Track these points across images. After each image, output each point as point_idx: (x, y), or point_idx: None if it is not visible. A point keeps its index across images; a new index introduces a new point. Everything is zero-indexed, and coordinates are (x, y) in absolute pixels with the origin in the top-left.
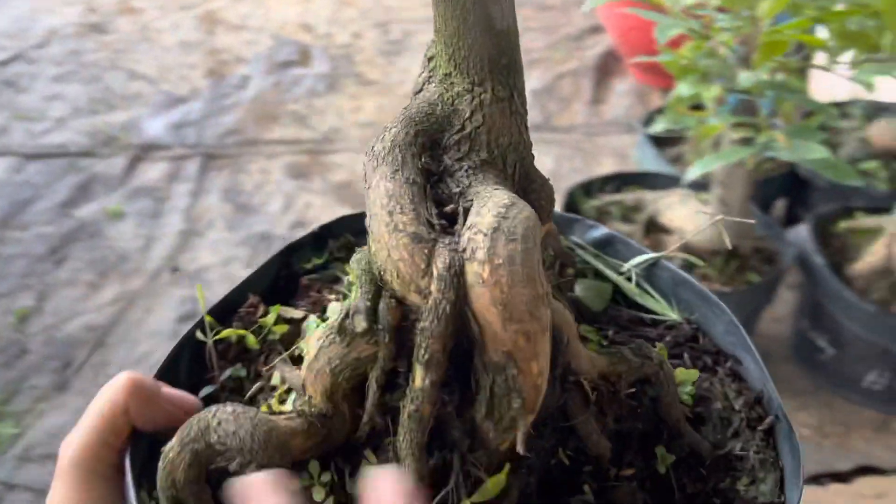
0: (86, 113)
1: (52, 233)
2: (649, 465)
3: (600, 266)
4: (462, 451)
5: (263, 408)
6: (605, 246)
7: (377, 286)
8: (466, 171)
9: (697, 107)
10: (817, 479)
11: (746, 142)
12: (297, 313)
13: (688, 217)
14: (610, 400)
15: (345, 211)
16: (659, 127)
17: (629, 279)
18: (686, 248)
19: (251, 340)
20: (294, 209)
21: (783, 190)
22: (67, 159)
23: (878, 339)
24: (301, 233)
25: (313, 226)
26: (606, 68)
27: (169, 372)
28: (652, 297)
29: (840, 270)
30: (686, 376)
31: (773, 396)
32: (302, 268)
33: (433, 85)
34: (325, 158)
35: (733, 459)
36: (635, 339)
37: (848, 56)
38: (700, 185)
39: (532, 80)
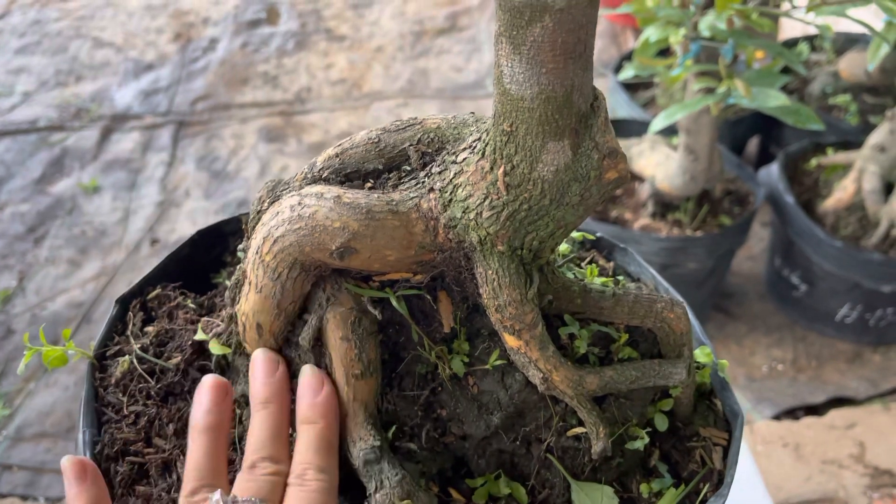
0: (53, 85)
1: (28, 211)
2: None
3: None
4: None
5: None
6: None
7: None
8: (412, 179)
9: (666, 50)
10: (791, 413)
11: (708, 91)
12: None
13: (658, 164)
14: None
15: None
16: (627, 74)
17: None
18: (657, 194)
19: None
20: (270, 173)
21: (755, 129)
22: (38, 134)
23: (848, 273)
24: None
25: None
26: None
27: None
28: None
29: (812, 207)
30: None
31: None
32: None
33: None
34: (299, 119)
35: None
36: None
37: None
38: (672, 130)
39: None
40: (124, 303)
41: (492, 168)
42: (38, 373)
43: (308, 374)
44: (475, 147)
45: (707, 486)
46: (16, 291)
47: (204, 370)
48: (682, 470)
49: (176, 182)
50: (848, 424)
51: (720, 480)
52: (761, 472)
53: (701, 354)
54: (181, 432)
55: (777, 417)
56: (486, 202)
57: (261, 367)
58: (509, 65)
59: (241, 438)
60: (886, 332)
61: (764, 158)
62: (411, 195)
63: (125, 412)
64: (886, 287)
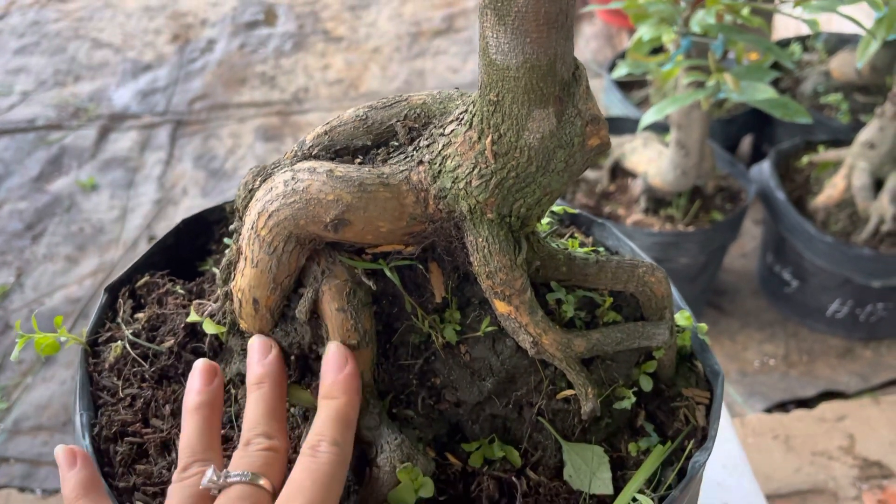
0: (52, 85)
1: (26, 208)
2: None
3: None
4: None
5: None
6: None
7: None
8: (400, 153)
9: (659, 49)
10: (783, 406)
11: (699, 85)
12: None
13: (651, 160)
14: None
15: None
16: (620, 72)
17: None
18: (649, 190)
19: None
20: None
21: (748, 127)
22: (36, 133)
23: (839, 269)
24: None
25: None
26: None
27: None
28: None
29: (803, 204)
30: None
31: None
32: None
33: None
34: (296, 119)
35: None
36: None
37: None
38: (666, 128)
39: None
40: (113, 291)
41: (479, 138)
42: (36, 367)
43: (333, 351)
44: (462, 118)
45: (692, 442)
46: (14, 287)
47: (197, 352)
48: (667, 429)
49: (173, 180)
50: (838, 417)
51: (704, 437)
52: (751, 463)
53: (681, 318)
54: (178, 413)
55: (768, 411)
56: (475, 171)
57: (256, 350)
58: (494, 35)
59: (238, 416)
60: (877, 327)
61: (757, 157)
62: (401, 168)
63: (121, 395)
64: (876, 282)
